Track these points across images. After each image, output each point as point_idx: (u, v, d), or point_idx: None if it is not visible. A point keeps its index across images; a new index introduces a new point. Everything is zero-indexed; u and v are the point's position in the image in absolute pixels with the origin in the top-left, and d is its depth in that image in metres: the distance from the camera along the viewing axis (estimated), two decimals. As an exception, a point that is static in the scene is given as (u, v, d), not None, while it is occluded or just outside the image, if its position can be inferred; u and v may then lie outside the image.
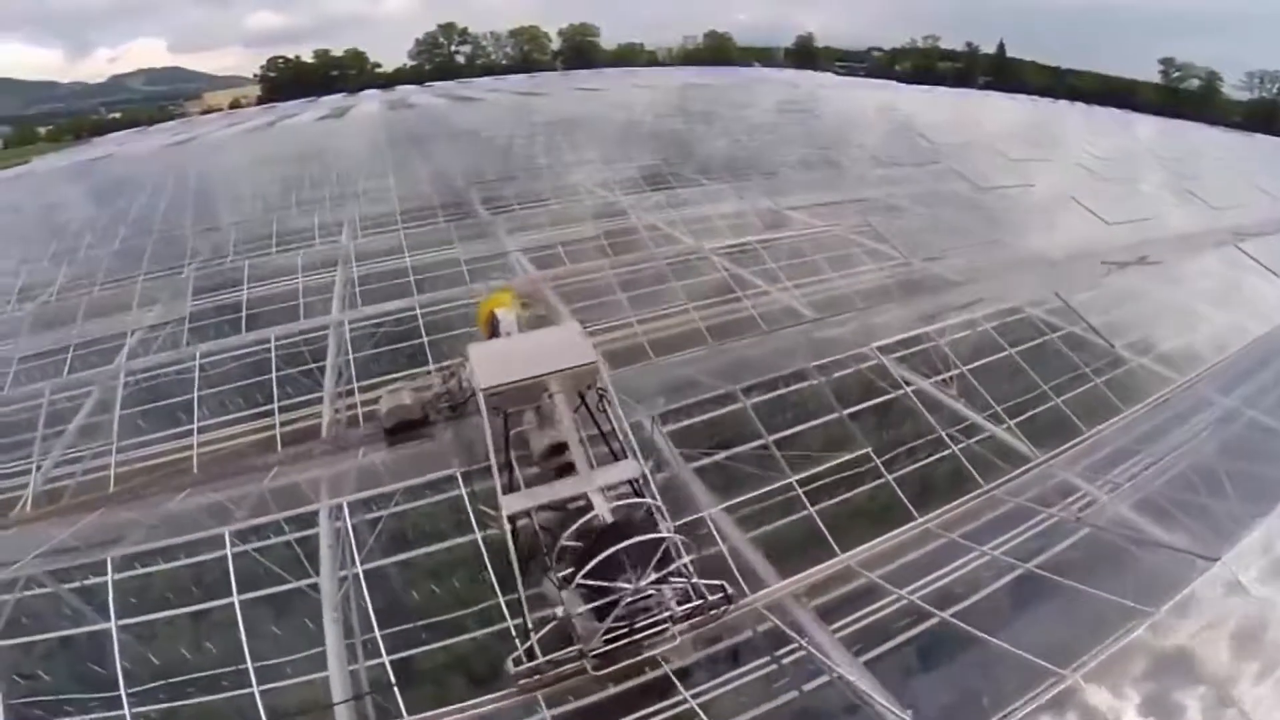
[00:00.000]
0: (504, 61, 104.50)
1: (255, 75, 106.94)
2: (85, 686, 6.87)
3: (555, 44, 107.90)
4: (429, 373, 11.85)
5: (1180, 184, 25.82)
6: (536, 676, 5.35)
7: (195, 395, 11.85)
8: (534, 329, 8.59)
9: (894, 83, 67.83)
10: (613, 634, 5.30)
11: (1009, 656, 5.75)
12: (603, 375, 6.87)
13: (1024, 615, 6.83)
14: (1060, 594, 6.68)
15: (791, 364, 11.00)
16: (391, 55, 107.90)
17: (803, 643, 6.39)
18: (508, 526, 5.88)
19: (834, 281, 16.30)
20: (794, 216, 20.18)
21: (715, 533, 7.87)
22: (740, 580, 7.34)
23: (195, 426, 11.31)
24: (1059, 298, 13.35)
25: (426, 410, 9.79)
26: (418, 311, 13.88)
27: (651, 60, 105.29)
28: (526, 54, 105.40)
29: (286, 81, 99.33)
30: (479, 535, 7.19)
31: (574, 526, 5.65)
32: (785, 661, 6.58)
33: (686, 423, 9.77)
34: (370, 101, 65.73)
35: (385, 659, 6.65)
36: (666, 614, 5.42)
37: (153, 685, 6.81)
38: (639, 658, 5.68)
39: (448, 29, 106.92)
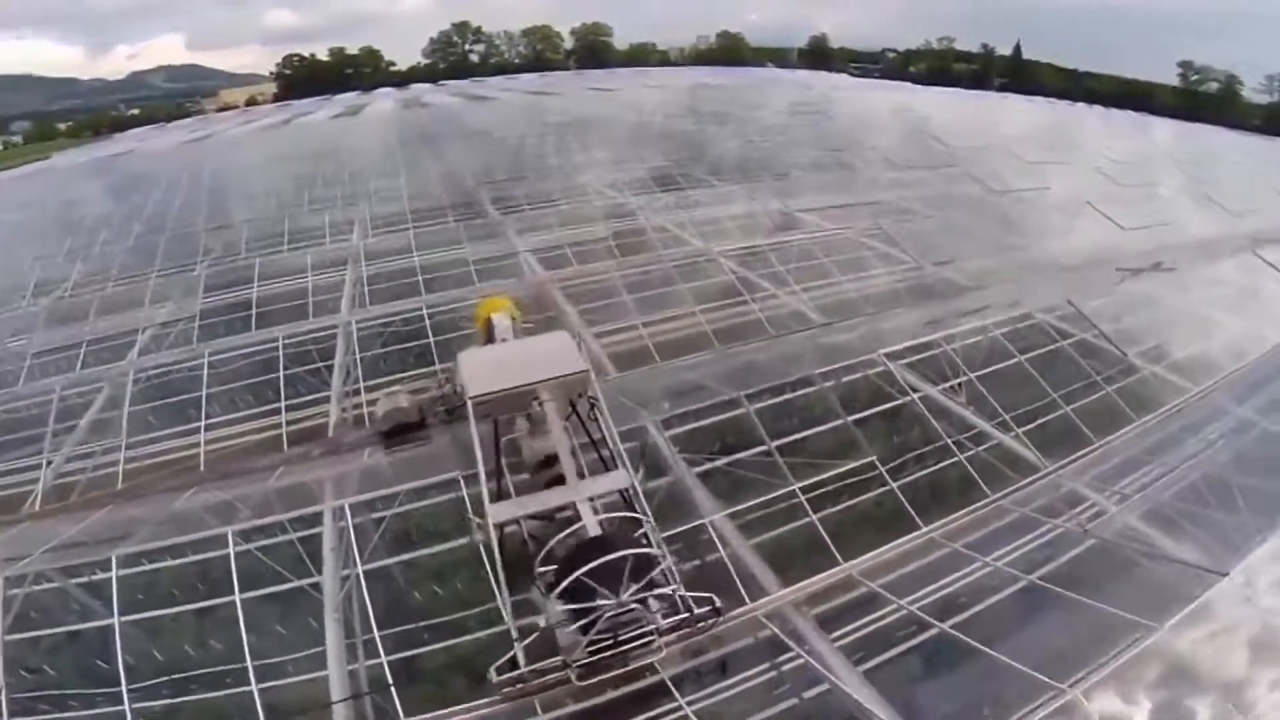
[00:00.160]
0: (517, 61, 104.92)
1: (271, 73, 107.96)
2: (88, 681, 6.94)
3: (568, 43, 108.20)
4: (426, 376, 11.83)
5: (1198, 189, 25.49)
6: (520, 685, 5.34)
7: (204, 393, 11.93)
8: (528, 335, 8.57)
9: (909, 84, 67.40)
10: (597, 645, 5.27)
11: (1009, 669, 5.68)
12: (593, 384, 6.83)
13: (1026, 627, 6.75)
14: (1064, 606, 6.59)
15: (798, 370, 10.94)
16: (406, 54, 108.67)
17: (801, 651, 6.35)
18: (494, 535, 5.86)
19: (843, 285, 16.19)
20: (804, 219, 20.10)
21: (716, 539, 7.84)
22: (740, 587, 7.31)
23: (203, 424, 11.40)
24: (1071, 304, 13.19)
25: (423, 413, 9.79)
26: (424, 312, 13.91)
27: (664, 60, 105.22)
28: (539, 53, 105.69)
29: (302, 79, 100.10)
30: (479, 538, 7.18)
31: (557, 538, 5.63)
32: (785, 669, 6.55)
33: (690, 427, 9.73)
34: (384, 100, 66.20)
35: (383, 659, 6.66)
36: (652, 627, 5.38)
37: (154, 681, 6.85)
38: (624, 669, 5.64)
39: (462, 28, 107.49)
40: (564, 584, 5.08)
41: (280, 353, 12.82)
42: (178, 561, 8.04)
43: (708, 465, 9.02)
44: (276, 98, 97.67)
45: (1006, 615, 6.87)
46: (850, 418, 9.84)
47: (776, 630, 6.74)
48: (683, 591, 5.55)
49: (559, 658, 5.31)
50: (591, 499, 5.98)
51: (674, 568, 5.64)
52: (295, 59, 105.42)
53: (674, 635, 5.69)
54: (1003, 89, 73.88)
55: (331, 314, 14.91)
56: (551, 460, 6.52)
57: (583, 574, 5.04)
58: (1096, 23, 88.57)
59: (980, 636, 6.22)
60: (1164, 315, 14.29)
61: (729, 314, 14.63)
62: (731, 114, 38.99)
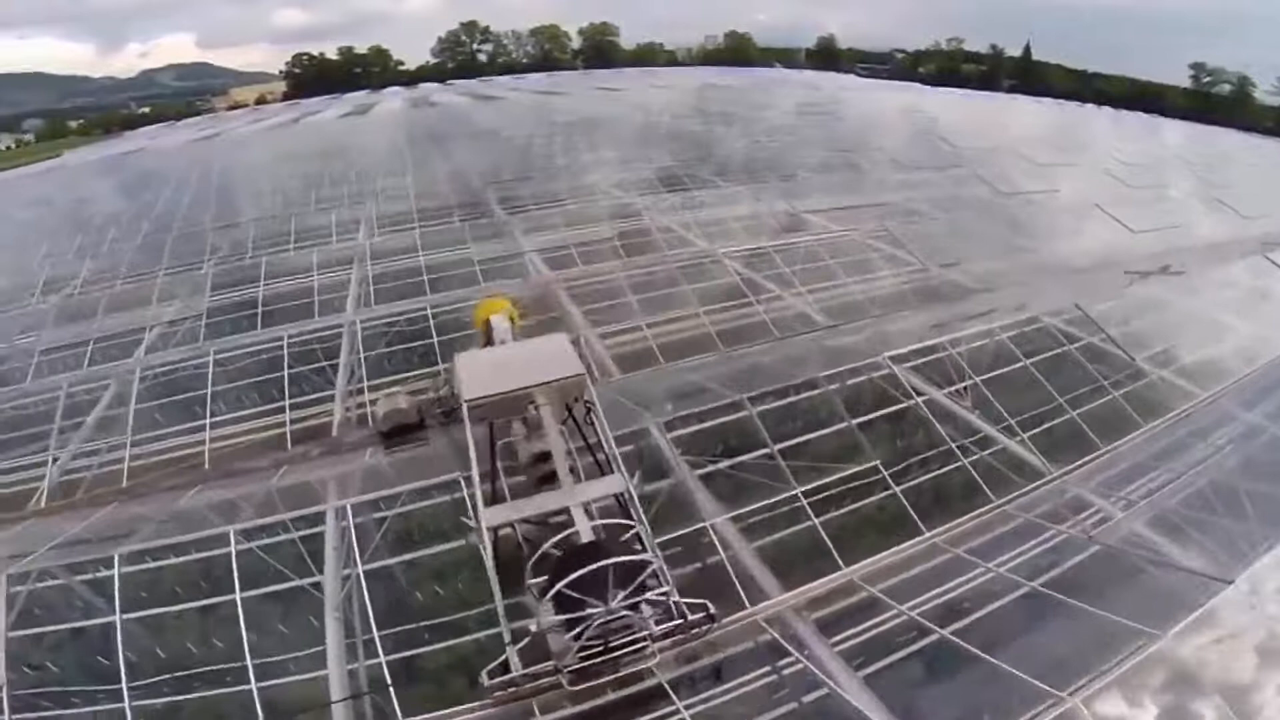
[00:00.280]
0: (525, 60, 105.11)
1: (281, 72, 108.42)
2: (90, 678, 6.97)
3: (575, 43, 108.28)
4: (427, 376, 11.85)
5: (1209, 191, 25.30)
6: (511, 689, 5.33)
7: (208, 391, 12.00)
8: (533, 336, 8.55)
9: (917, 85, 67.20)
10: (588, 651, 5.27)
11: (1009, 676, 5.64)
12: (589, 388, 6.80)
13: (1028, 634, 6.70)
14: (1066, 613, 6.54)
15: (802, 372, 10.90)
16: (414, 53, 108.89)
17: (800, 656, 6.33)
18: (487, 538, 5.84)
19: (849, 287, 16.14)
20: (810, 220, 20.05)
21: (717, 542, 7.82)
22: (741, 591, 7.28)
23: (207, 422, 11.46)
24: (1078, 308, 13.10)
25: (422, 415, 9.79)
26: (428, 312, 13.93)
27: (671, 60, 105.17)
28: (547, 53, 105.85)
29: (311, 78, 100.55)
30: (473, 540, 7.17)
31: (549, 543, 5.62)
32: (784, 674, 6.52)
33: (693, 430, 9.71)
34: (393, 99, 66.43)
35: (381, 659, 6.67)
36: (644, 633, 5.36)
37: (155, 680, 6.88)
38: (616, 675, 5.62)
39: (470, 27, 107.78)
40: (557, 586, 5.07)
41: (285, 352, 12.87)
42: (180, 560, 8.08)
43: (710, 468, 8.99)
44: (286, 96, 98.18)
45: (1008, 622, 6.82)
46: (854, 421, 9.80)
47: (776, 635, 6.72)
48: (676, 597, 5.53)
49: (550, 662, 5.29)
50: (586, 503, 5.95)
51: (667, 573, 5.60)
52: (304, 58, 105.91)
53: (667, 641, 5.66)
54: (1012, 90, 73.51)
55: (337, 313, 14.97)
56: (545, 460, 6.50)
57: (572, 581, 5.02)
58: (1107, 24, 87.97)
59: (981, 643, 6.18)
60: (1173, 319, 14.17)
61: (733, 315, 14.60)
62: (738, 114, 38.91)
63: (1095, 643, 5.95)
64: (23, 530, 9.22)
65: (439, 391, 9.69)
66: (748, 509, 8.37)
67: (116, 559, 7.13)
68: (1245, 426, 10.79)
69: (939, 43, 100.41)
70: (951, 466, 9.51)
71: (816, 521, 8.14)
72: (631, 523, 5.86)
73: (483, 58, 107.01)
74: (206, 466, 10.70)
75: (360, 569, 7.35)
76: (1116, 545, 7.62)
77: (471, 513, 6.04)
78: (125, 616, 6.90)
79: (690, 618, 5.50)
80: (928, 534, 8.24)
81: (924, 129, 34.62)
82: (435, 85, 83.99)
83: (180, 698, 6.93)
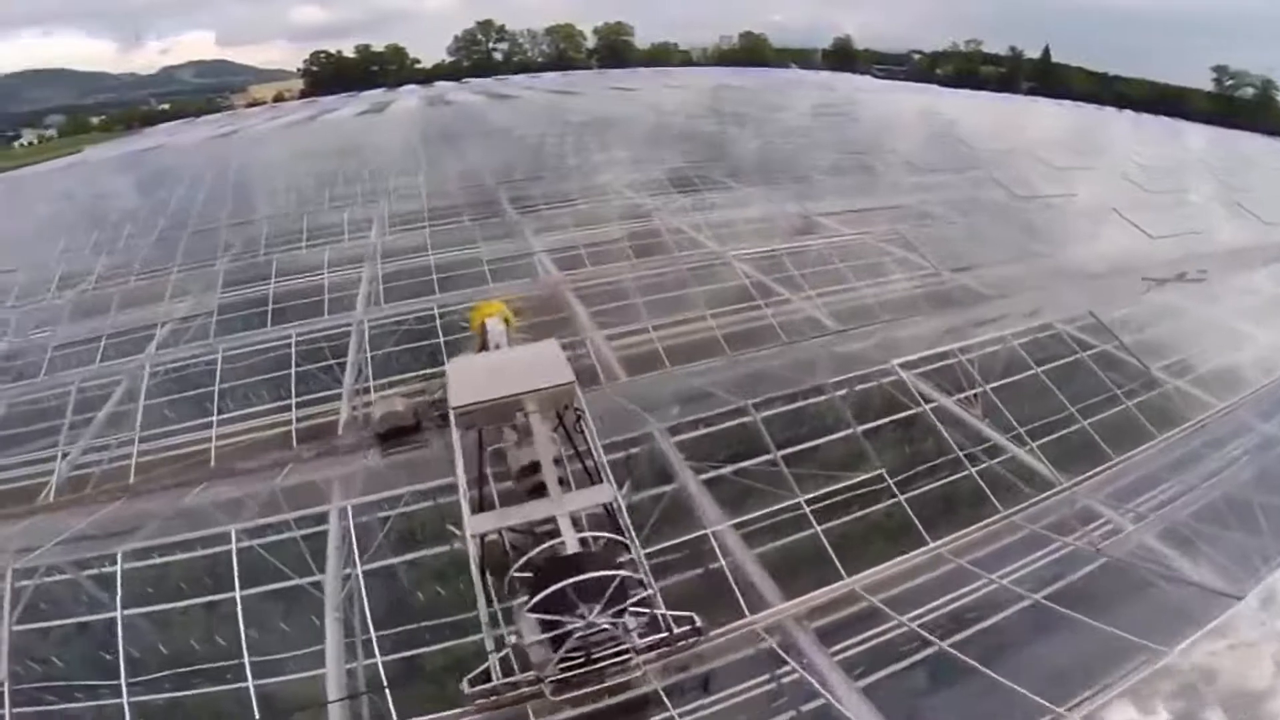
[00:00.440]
0: (540, 59, 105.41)
1: (298, 69, 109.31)
2: (91, 673, 7.01)
3: (590, 42, 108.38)
4: (429, 378, 11.83)
5: (1230, 196, 24.89)
6: (493, 697, 5.32)
7: (216, 389, 12.08)
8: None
9: (935, 86, 66.65)
10: (569, 662, 5.24)
11: (1007, 690, 5.54)
12: (578, 396, 6.74)
13: (1029, 647, 6.59)
14: (1070, 627, 6.42)
15: (809, 379, 10.80)
16: (431, 51, 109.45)
17: (797, 665, 6.26)
18: (472, 546, 5.81)
19: (859, 291, 15.97)
20: (822, 223, 19.88)
21: (718, 549, 7.75)
22: (740, 599, 7.21)
23: (214, 420, 11.53)
24: (1092, 315, 12.89)
25: (419, 417, 9.78)
26: (435, 311, 13.95)
27: (686, 60, 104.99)
28: (562, 52, 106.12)
29: (328, 76, 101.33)
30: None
31: (531, 553, 5.59)
32: (782, 683, 6.45)
33: (697, 434, 9.64)
34: (409, 97, 66.83)
35: (378, 659, 6.67)
36: (628, 646, 5.32)
37: (154, 676, 6.92)
38: (600, 685, 5.59)
39: (486, 26, 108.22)
40: (536, 599, 5.04)
41: (293, 350, 12.93)
42: (183, 557, 8.12)
43: (713, 473, 8.92)
44: (303, 94, 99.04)
45: (1010, 634, 6.71)
46: (861, 428, 9.69)
47: (774, 644, 6.65)
48: (662, 610, 5.48)
49: (531, 673, 5.28)
50: (574, 513, 5.90)
51: (654, 584, 5.56)
52: (322, 55, 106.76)
53: (653, 653, 5.62)
54: (1031, 92, 72.73)
55: (346, 311, 15.02)
56: (536, 471, 6.47)
57: (553, 593, 4.99)
58: (1128, 26, 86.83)
59: (981, 655, 6.08)
60: (1190, 327, 13.91)
61: (742, 319, 14.50)
62: (752, 115, 38.78)
63: (1098, 657, 5.84)
64: (30, 525, 9.31)
65: (435, 394, 9.68)
66: (750, 516, 8.30)
67: (119, 556, 7.18)
68: (1261, 438, 10.57)
69: (957, 44, 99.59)
70: (959, 475, 9.37)
71: (819, 529, 8.04)
72: (619, 538, 5.80)
73: (498, 56, 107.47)
74: (213, 464, 10.77)
75: (359, 569, 7.36)
76: (1124, 558, 7.48)
77: (457, 520, 6.00)
78: (127, 612, 6.95)
79: (676, 630, 5.45)
80: (932, 544, 8.13)
81: (940, 131, 34.36)
82: (451, 84, 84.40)
83: (179, 694, 6.95)
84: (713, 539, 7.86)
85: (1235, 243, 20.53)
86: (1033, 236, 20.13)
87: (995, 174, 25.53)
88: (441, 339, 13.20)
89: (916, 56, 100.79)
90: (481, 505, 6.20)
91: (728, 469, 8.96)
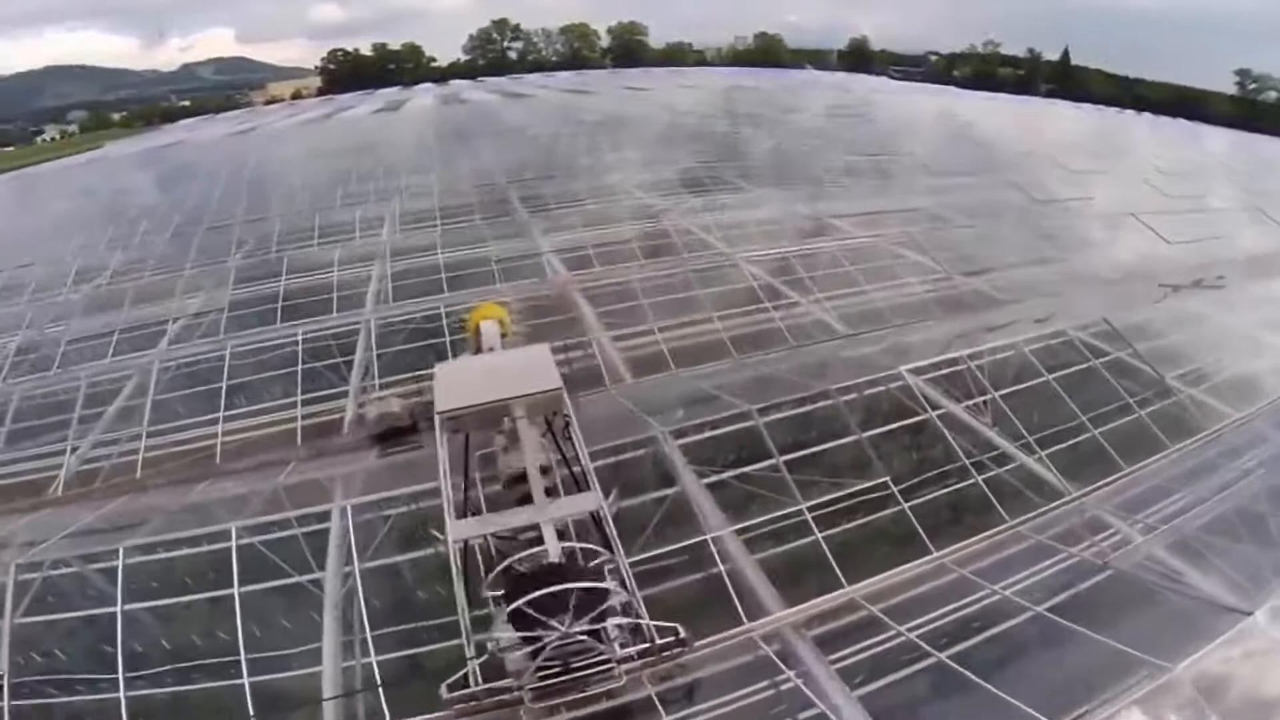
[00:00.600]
0: (554, 58, 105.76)
1: (316, 67, 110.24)
2: (89, 667, 7.07)
3: (604, 42, 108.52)
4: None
5: (1252, 201, 24.46)
6: (472, 702, 5.30)
7: (224, 385, 12.18)
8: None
9: (952, 88, 66.05)
10: (547, 671, 5.22)
11: (1005, 704, 5.45)
12: (566, 402, 6.68)
13: (1029, 660, 6.49)
14: (1073, 640, 6.30)
15: (816, 383, 10.70)
16: (447, 50, 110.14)
17: (791, 674, 6.19)
18: (453, 551, 5.77)
19: (869, 295, 15.82)
20: (834, 225, 19.71)
21: (717, 555, 7.68)
22: (739, 606, 7.15)
23: (221, 416, 11.62)
24: (1106, 322, 12.69)
25: (414, 418, 9.77)
26: (442, 311, 13.97)
27: (700, 60, 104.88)
28: (576, 51, 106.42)
29: (345, 74, 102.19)
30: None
31: (511, 559, 5.56)
32: (779, 690, 6.38)
33: (701, 438, 9.57)
34: (424, 95, 67.12)
35: (373, 658, 6.67)
36: (608, 656, 5.28)
37: (152, 671, 6.97)
38: (582, 694, 5.55)
39: (501, 25, 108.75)
40: (510, 607, 5.02)
41: (300, 348, 13.00)
42: (186, 552, 8.17)
43: (715, 478, 8.85)
44: (321, 91, 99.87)
45: (1011, 647, 6.60)
46: (866, 434, 9.57)
47: (771, 652, 6.58)
48: (645, 620, 5.43)
49: (510, 680, 5.26)
50: (558, 520, 5.85)
51: (638, 594, 5.51)
52: (339, 54, 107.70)
53: (637, 663, 5.57)
54: (1049, 95, 71.90)
55: (355, 310, 15.08)
56: (524, 477, 6.42)
57: (529, 602, 4.96)
58: (1149, 28, 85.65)
59: (981, 667, 5.98)
60: (1208, 335, 13.67)
61: (749, 322, 14.40)
62: (766, 116, 38.59)
63: (1100, 671, 5.73)
64: (37, 519, 9.42)
65: (429, 395, 9.66)
66: (751, 522, 8.23)
67: (121, 551, 7.22)
68: (1278, 449, 10.36)
69: (974, 46, 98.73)
70: (965, 483, 9.24)
71: (820, 536, 7.95)
72: (601, 550, 5.75)
73: (513, 55, 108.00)
74: (218, 461, 10.85)
75: (358, 567, 7.37)
76: (1131, 570, 7.34)
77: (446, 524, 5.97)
78: (127, 608, 7.00)
79: (659, 641, 5.41)
80: (936, 554, 8.01)
81: (956, 133, 34.07)
82: (466, 82, 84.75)
83: (176, 689, 7.00)
84: (712, 544, 7.79)
85: (1256, 249, 20.17)
86: (1048, 241, 19.87)
87: (1012, 177, 25.23)
88: (448, 338, 13.24)
89: (934, 58, 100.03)
90: (466, 510, 6.17)
91: (730, 474, 8.89)
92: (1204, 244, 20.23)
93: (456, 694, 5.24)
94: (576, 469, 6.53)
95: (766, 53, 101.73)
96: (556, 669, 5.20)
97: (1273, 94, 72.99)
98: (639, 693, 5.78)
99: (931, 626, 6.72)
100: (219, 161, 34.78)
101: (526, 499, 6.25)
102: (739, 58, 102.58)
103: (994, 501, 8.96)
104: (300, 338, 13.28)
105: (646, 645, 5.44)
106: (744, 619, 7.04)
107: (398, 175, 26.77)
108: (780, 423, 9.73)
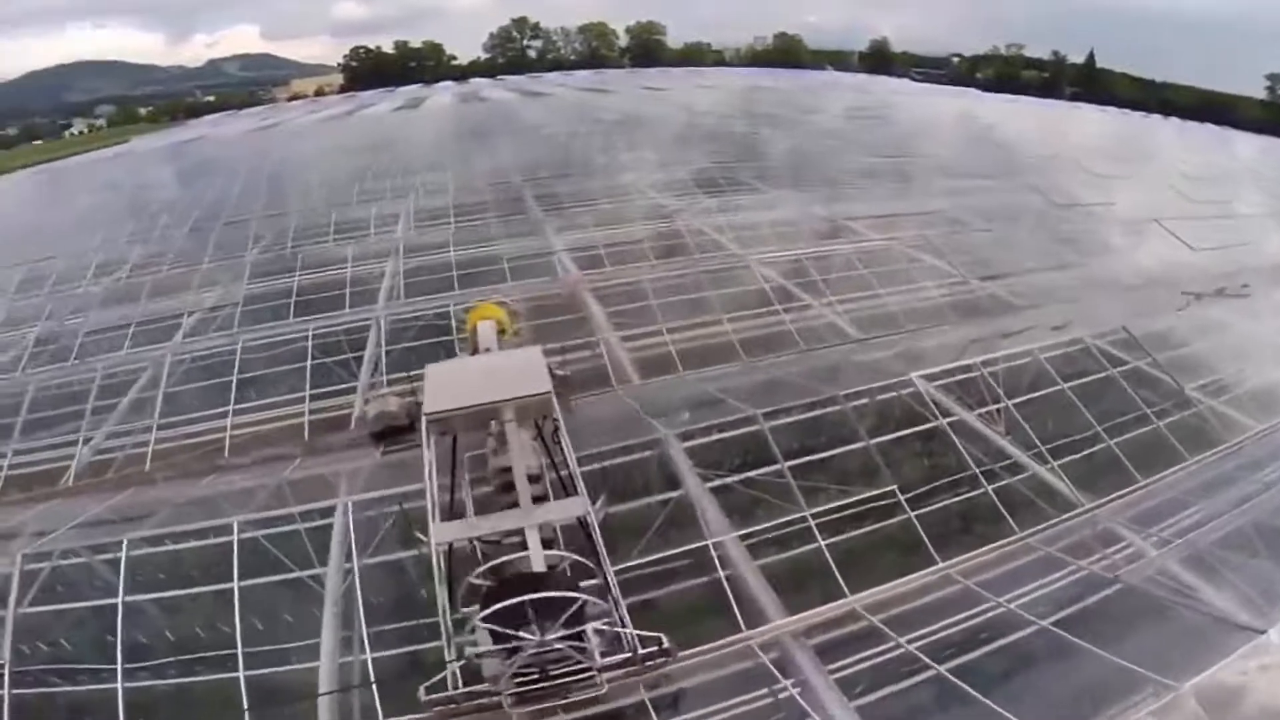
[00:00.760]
0: (573, 57, 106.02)
1: (339, 64, 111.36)
2: (97, 656, 7.14)
3: (623, 41, 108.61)
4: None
5: (1280, 207, 23.93)
6: (451, 705, 5.27)
7: (235, 379, 12.29)
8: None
9: (974, 90, 65.29)
10: (524, 678, 5.18)
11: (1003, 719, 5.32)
12: (554, 406, 6.62)
13: (1030, 675, 6.35)
14: (1078, 655, 6.15)
15: (824, 388, 10.57)
16: (467, 48, 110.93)
17: (787, 684, 6.11)
18: (436, 554, 5.74)
19: (883, 299, 15.61)
20: (849, 227, 19.48)
21: (718, 560, 7.60)
22: (738, 612, 7.06)
23: (230, 410, 11.72)
24: (1125, 330, 12.43)
25: (412, 417, 9.76)
26: (451, 309, 13.99)
27: (719, 60, 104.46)
28: (595, 50, 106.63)
29: (367, 71, 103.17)
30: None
31: (487, 565, 5.51)
32: (776, 699, 6.30)
33: (707, 441, 9.49)
34: (444, 93, 67.49)
35: (368, 655, 6.67)
36: (588, 664, 5.23)
37: (150, 663, 7.02)
38: (564, 700, 5.50)
39: (520, 24, 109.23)
40: (482, 615, 4.99)
41: (310, 343, 13.08)
42: (190, 545, 8.23)
43: (719, 482, 8.77)
44: (343, 89, 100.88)
45: (1013, 661, 6.46)
46: (874, 441, 9.43)
47: (767, 660, 6.50)
48: (628, 629, 5.37)
49: (487, 685, 5.24)
50: (543, 526, 5.80)
51: (621, 602, 5.45)
52: (362, 51, 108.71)
53: (618, 672, 5.52)
54: (1074, 98, 70.72)
55: (368, 306, 15.16)
56: (511, 480, 6.38)
57: (506, 609, 4.92)
58: (1176, 31, 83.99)
59: (981, 681, 5.86)
60: (1231, 344, 13.37)
61: (760, 324, 14.27)
62: (784, 117, 38.34)
63: (1104, 688, 5.58)
64: (47, 509, 9.55)
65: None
66: (754, 528, 8.14)
67: (125, 543, 7.29)
68: (1300, 463, 10.07)
69: (998, 48, 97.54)
70: (975, 493, 9.09)
71: (823, 544, 7.85)
72: (582, 559, 5.69)
73: (532, 54, 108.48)
74: (226, 454, 10.94)
75: (357, 564, 7.38)
76: (1142, 585, 7.16)
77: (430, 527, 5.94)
78: (129, 599, 7.06)
79: (641, 651, 5.35)
80: (941, 564, 7.87)
81: (977, 135, 33.64)
82: (486, 80, 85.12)
83: (179, 681, 7.04)
84: (714, 549, 7.72)
85: (1283, 257, 19.70)
86: (1068, 246, 19.54)
87: (1033, 180, 24.84)
88: (456, 336, 13.26)
89: (956, 60, 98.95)
90: (453, 513, 6.14)
91: (735, 478, 8.81)
92: (1229, 251, 19.78)
93: (435, 696, 5.23)
94: (564, 473, 6.47)
95: (786, 53, 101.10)
96: (534, 676, 5.16)
97: (1305, 99, 71.44)
98: (631, 698, 5.74)
99: (934, 638, 6.60)
100: (240, 157, 35.20)
101: (512, 504, 6.22)
102: (758, 58, 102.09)
103: (1004, 512, 8.80)
104: (311, 333, 13.38)
105: (629, 655, 5.39)
106: (743, 626, 6.97)
107: (415, 172, 26.88)
108: (787, 427, 9.62)
